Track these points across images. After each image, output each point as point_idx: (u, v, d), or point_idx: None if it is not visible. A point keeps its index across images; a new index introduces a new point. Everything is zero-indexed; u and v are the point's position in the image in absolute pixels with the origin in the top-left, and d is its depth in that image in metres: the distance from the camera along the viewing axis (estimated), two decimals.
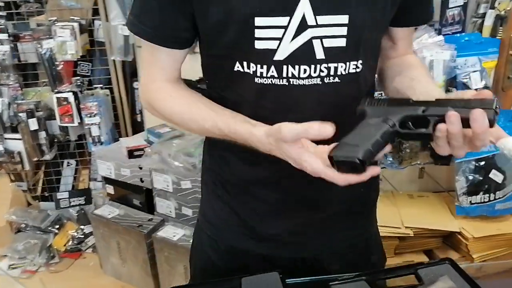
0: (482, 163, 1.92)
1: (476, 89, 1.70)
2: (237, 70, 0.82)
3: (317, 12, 0.77)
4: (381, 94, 1.33)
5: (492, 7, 1.83)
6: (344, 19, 0.77)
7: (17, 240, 2.55)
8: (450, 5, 1.80)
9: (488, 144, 0.67)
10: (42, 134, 2.51)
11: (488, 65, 1.73)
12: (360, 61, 0.83)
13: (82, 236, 2.60)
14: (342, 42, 0.79)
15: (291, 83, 0.81)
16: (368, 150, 0.67)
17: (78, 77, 2.52)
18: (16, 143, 2.52)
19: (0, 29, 2.40)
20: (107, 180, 2.30)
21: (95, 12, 2.43)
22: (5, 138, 2.51)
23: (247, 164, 0.92)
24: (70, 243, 2.57)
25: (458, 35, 1.83)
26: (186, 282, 1.55)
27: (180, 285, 0.94)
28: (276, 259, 0.97)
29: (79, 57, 2.44)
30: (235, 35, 0.79)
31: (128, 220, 2.16)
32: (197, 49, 0.91)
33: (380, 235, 1.12)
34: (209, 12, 0.79)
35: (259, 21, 0.77)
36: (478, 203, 1.94)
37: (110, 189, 2.31)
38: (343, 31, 0.78)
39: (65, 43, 2.30)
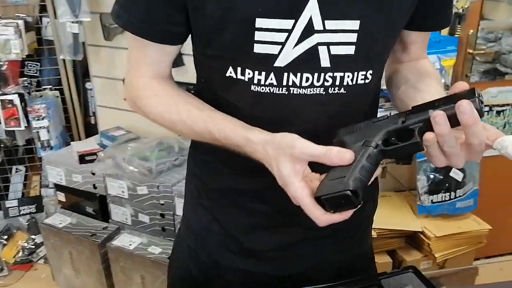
0: None
1: None
2: (229, 76, 0.74)
3: (325, 16, 0.69)
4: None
5: None
6: (354, 24, 0.70)
7: None
8: None
9: (485, 139, 0.60)
10: None
11: (447, 63, 1.73)
12: (370, 71, 0.75)
13: (33, 247, 2.48)
14: (350, 50, 0.71)
15: (291, 92, 0.73)
16: (358, 178, 0.60)
17: (26, 78, 2.39)
18: None
19: None
20: (58, 187, 2.20)
21: (43, 8, 2.31)
22: None
23: (232, 173, 0.84)
24: (20, 254, 2.46)
25: None
26: None
27: None
28: (261, 275, 0.90)
29: (25, 56, 2.31)
30: (232, 37, 0.71)
31: (80, 229, 2.07)
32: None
33: None
34: (205, 8, 0.71)
35: (260, 22, 0.68)
36: (439, 202, 1.95)
37: (61, 196, 2.21)
38: (353, 37, 0.70)
39: (8, 42, 2.16)
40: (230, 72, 0.74)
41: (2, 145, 2.48)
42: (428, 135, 0.60)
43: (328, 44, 0.71)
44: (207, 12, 0.70)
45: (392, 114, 0.66)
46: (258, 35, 0.69)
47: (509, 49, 2.23)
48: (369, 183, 0.62)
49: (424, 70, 0.85)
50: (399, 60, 0.88)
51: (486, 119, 2.19)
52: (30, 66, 2.44)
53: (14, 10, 2.29)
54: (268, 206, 0.85)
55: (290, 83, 0.73)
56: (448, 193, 1.95)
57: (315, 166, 0.65)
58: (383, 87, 0.91)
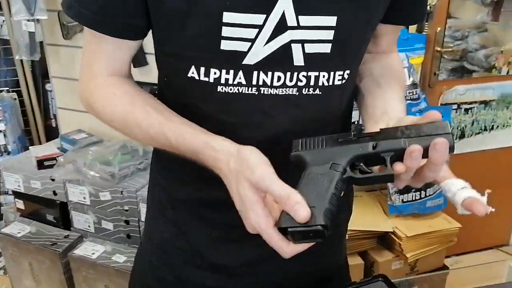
0: None
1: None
2: (191, 77, 0.67)
3: (299, 11, 0.63)
4: None
5: None
6: (331, 21, 0.64)
7: None
8: None
9: (438, 178, 0.60)
10: None
11: (416, 61, 1.71)
12: (347, 72, 0.70)
13: None
14: (326, 48, 0.66)
15: (262, 92, 0.67)
16: (328, 210, 0.55)
17: None
18: None
19: None
20: (16, 194, 2.09)
21: None
22: None
23: (198, 181, 0.77)
24: None
25: None
26: None
27: None
28: None
29: None
30: (196, 32, 0.64)
31: (40, 238, 1.96)
32: None
33: None
34: None
35: (228, 17, 0.62)
36: (410, 201, 1.95)
37: (20, 204, 2.10)
38: (329, 35, 0.65)
39: None
40: (192, 73, 0.67)
41: None
42: (399, 167, 0.57)
43: (302, 42, 0.65)
44: (168, 4, 0.64)
45: (356, 133, 0.61)
46: (225, 31, 0.63)
47: (475, 47, 2.25)
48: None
49: (389, 66, 0.82)
50: (367, 50, 0.84)
51: (454, 117, 2.19)
52: None
53: None
54: (234, 217, 0.77)
55: (261, 83, 0.67)
56: (418, 192, 1.94)
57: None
58: None
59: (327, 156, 0.60)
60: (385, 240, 1.96)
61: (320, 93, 0.69)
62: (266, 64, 0.66)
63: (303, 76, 0.67)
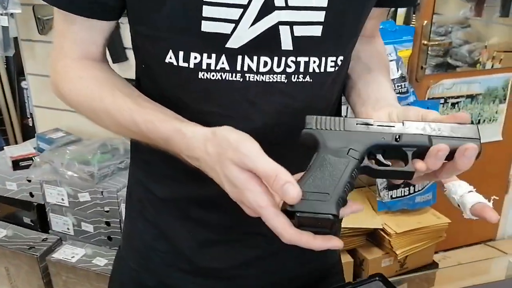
0: None
1: (393, 79, 1.63)
2: (169, 62, 0.62)
3: None
4: None
5: None
6: (322, 1, 0.60)
7: None
8: None
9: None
10: None
11: (404, 54, 1.68)
12: (340, 58, 0.65)
13: None
14: (317, 31, 0.61)
15: (247, 78, 0.62)
16: (342, 199, 0.50)
17: None
18: None
19: None
20: None
21: None
22: None
23: (179, 176, 0.70)
24: None
25: None
26: None
27: None
28: None
29: None
30: (174, 11, 0.59)
31: (17, 242, 1.91)
32: None
33: None
34: None
35: None
36: (399, 197, 1.92)
37: None
38: (320, 16, 0.60)
39: None
40: (170, 58, 0.61)
41: None
42: (420, 166, 0.54)
43: (291, 24, 0.60)
44: None
45: (378, 122, 0.57)
46: (206, 11, 0.58)
47: (459, 43, 2.24)
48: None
49: (376, 50, 0.79)
50: None
51: (441, 112, 2.17)
52: None
53: None
54: (223, 217, 0.72)
55: (246, 68, 0.61)
56: (407, 188, 1.92)
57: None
58: None
59: (345, 140, 0.55)
60: (374, 237, 1.93)
61: (311, 80, 0.64)
62: (252, 48, 0.60)
63: (291, 61, 0.62)
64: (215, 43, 0.60)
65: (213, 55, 0.60)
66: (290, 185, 0.48)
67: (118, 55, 1.84)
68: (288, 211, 0.49)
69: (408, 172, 0.54)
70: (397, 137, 0.55)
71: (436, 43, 2.07)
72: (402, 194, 1.92)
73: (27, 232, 1.95)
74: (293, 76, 0.63)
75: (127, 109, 0.61)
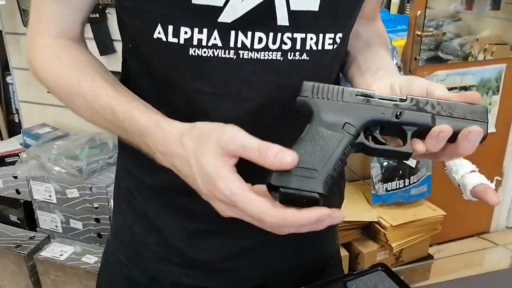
0: None
1: None
2: (158, 38, 0.58)
3: None
4: None
5: None
6: None
7: None
8: None
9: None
10: None
11: (398, 43, 1.65)
12: (339, 35, 0.62)
13: None
14: (314, 6, 0.58)
15: (241, 56, 0.59)
16: (331, 177, 0.47)
17: None
18: None
19: None
20: None
21: None
22: None
23: None
24: None
25: None
26: None
27: None
28: None
29: None
30: None
31: (3, 240, 1.86)
32: None
33: None
34: None
35: None
36: (394, 189, 1.92)
37: None
38: None
39: None
40: (158, 33, 0.58)
41: None
42: (420, 147, 0.51)
43: None
44: None
45: (380, 95, 0.53)
46: None
47: (450, 36, 2.22)
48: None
49: (376, 30, 0.76)
50: None
51: None
52: None
53: None
54: None
55: (239, 45, 0.58)
56: (402, 180, 1.91)
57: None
58: None
59: (341, 112, 0.52)
60: (370, 231, 1.92)
61: (308, 58, 0.61)
62: (246, 23, 0.57)
63: (287, 38, 0.59)
64: (207, 17, 0.56)
65: (205, 30, 0.57)
66: (284, 152, 0.46)
67: (106, 47, 1.80)
68: (272, 185, 0.46)
69: (405, 153, 0.51)
70: (398, 113, 0.52)
71: (430, 34, 2.05)
72: (397, 187, 1.91)
73: (14, 230, 1.91)
74: (289, 53, 0.60)
75: (105, 96, 0.58)
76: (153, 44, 0.58)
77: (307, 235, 0.76)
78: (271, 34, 0.58)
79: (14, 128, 2.33)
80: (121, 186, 0.78)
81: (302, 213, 0.45)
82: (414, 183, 1.92)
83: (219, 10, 0.56)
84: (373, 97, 0.53)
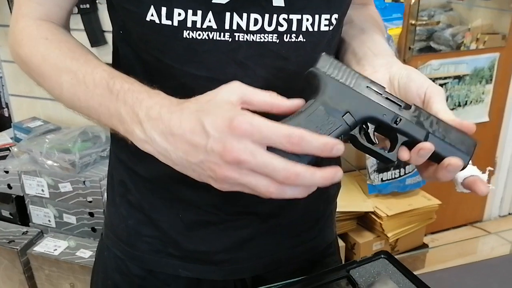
0: None
1: None
2: (151, 20, 0.56)
3: None
4: None
5: None
6: None
7: None
8: None
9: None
10: None
11: (394, 32, 1.64)
12: (335, 16, 0.61)
13: None
14: None
15: (236, 38, 0.57)
16: (315, 161, 0.48)
17: None
18: None
19: None
20: None
21: None
22: None
23: None
24: None
25: None
26: None
27: None
28: (209, 283, 0.74)
29: None
30: None
31: None
32: None
33: None
34: None
35: None
36: (389, 179, 1.92)
37: None
38: None
39: None
40: (151, 15, 0.56)
41: None
42: (404, 155, 0.53)
43: None
44: None
45: (388, 95, 0.54)
46: None
47: (442, 26, 2.22)
48: None
49: (370, 15, 0.76)
50: None
51: None
52: None
53: None
54: (213, 195, 0.65)
55: (234, 27, 0.56)
56: (397, 170, 1.91)
57: None
58: None
59: (347, 99, 0.52)
60: (365, 221, 1.92)
61: (304, 40, 0.60)
62: (241, 3, 0.56)
63: (283, 19, 0.58)
64: None
65: (199, 12, 0.55)
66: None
67: (97, 39, 1.76)
68: None
69: (389, 159, 0.53)
70: (397, 119, 0.53)
71: (424, 22, 2.04)
72: (393, 177, 1.91)
73: (6, 226, 1.88)
74: (285, 35, 0.59)
75: (102, 71, 0.55)
76: (146, 27, 0.57)
77: (306, 220, 0.75)
78: (266, 16, 0.57)
79: (4, 123, 2.29)
80: (114, 180, 0.76)
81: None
82: (409, 173, 1.92)
83: None
84: (381, 94, 0.53)
